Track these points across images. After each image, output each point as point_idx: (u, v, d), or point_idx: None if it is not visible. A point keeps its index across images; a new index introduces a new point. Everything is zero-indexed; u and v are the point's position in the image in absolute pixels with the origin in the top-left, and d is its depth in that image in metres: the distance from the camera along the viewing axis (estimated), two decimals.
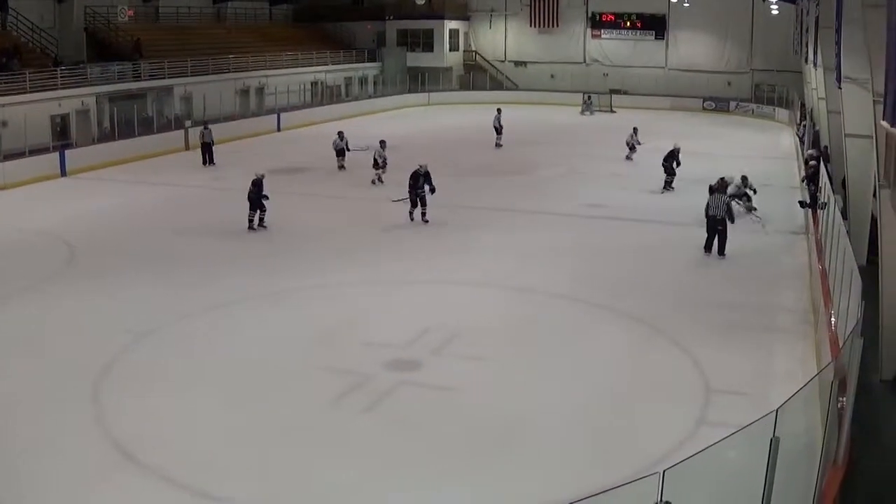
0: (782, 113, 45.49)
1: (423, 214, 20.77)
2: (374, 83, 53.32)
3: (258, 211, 20.19)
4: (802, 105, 38.87)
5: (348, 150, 28.60)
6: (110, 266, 17.37)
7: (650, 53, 53.91)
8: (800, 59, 42.62)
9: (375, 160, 25.87)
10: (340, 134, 28.99)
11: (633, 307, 14.81)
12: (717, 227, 17.97)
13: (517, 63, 57.02)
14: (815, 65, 28.93)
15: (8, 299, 15.24)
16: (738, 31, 51.78)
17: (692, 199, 21.71)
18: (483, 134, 35.07)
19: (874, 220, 14.87)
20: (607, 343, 13.39)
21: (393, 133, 33.37)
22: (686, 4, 50.09)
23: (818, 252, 15.64)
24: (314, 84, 47.68)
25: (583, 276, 16.75)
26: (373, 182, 25.88)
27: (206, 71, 39.72)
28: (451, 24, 56.25)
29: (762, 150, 34.69)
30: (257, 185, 20.20)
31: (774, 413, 5.93)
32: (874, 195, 14.35)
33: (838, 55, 17.49)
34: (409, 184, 20.78)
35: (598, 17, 54.86)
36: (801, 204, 20.31)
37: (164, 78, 37.17)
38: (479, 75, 56.29)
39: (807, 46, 35.24)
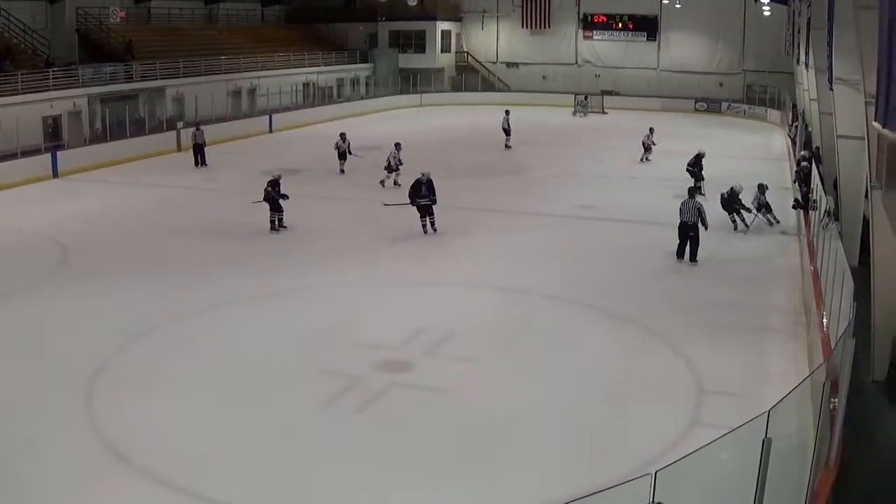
0: (774, 114, 45.65)
1: (433, 224, 20.06)
2: (366, 84, 53.21)
3: (278, 212, 20.11)
4: (794, 106, 38.94)
5: (350, 153, 27.86)
6: (104, 267, 17.35)
7: (642, 54, 53.98)
8: (791, 60, 42.77)
9: (389, 163, 25.16)
10: (343, 136, 28.14)
11: (626, 308, 14.85)
12: (688, 232, 17.56)
13: (509, 64, 57.03)
14: (806, 66, 29.01)
15: (1, 300, 15.19)
16: (729, 32, 51.88)
17: None
18: (476, 134, 35.06)
19: (866, 222, 14.92)
20: (600, 344, 13.42)
21: (385, 134, 33.35)
22: (678, 6, 50.17)
23: (810, 253, 15.70)
24: (306, 85, 47.57)
25: (576, 277, 16.79)
26: (382, 184, 25.05)
27: (197, 72, 39.64)
28: (443, 26, 56.19)
29: (754, 152, 34.80)
30: (275, 184, 20.13)
31: (767, 414, 5.95)
32: (866, 196, 14.42)
33: (830, 56, 17.55)
34: (410, 193, 20.16)
35: (589, 19, 54.94)
36: (795, 205, 20.39)
37: (155, 79, 37.09)
38: (471, 76, 56.19)
39: (798, 47, 35.36)
